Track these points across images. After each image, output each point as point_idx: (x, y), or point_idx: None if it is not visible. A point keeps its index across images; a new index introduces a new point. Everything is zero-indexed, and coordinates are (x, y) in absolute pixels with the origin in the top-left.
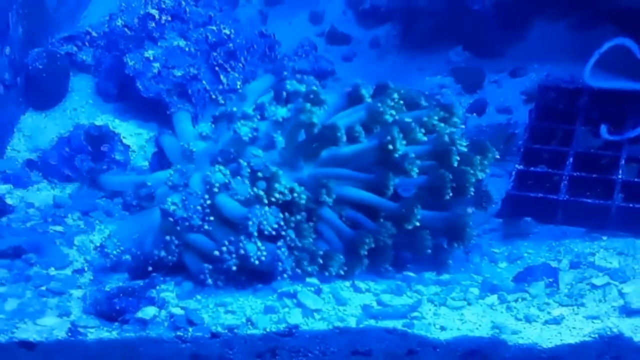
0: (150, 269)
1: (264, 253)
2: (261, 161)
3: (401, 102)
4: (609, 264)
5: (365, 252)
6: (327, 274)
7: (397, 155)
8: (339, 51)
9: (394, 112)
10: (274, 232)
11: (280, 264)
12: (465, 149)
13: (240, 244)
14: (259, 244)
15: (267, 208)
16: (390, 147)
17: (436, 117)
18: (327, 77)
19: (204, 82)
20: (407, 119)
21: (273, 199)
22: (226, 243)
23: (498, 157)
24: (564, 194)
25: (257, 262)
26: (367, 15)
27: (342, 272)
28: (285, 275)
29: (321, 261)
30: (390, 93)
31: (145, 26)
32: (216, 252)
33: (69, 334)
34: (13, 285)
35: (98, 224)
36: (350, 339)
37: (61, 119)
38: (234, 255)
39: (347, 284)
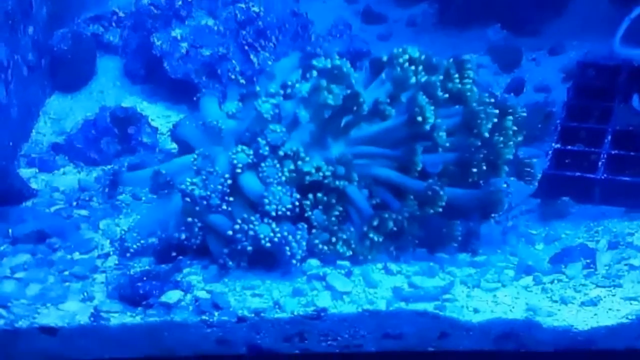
0: (174, 253)
1: (278, 235)
2: (279, 137)
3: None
4: None
5: (379, 232)
6: (345, 254)
7: (427, 127)
8: (374, 31)
9: (419, 77)
10: (288, 213)
11: (288, 248)
12: (495, 115)
13: (251, 225)
14: (274, 225)
15: (280, 188)
16: (420, 118)
17: (453, 72)
18: (363, 57)
19: (233, 61)
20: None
21: (295, 177)
22: (239, 222)
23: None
24: (602, 172)
25: (268, 244)
26: None
27: (361, 253)
28: (294, 261)
29: (340, 242)
30: (399, 54)
31: (172, 4)
32: (229, 232)
33: (92, 318)
34: (36, 269)
35: (125, 208)
36: (380, 322)
37: (87, 102)
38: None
39: (379, 265)
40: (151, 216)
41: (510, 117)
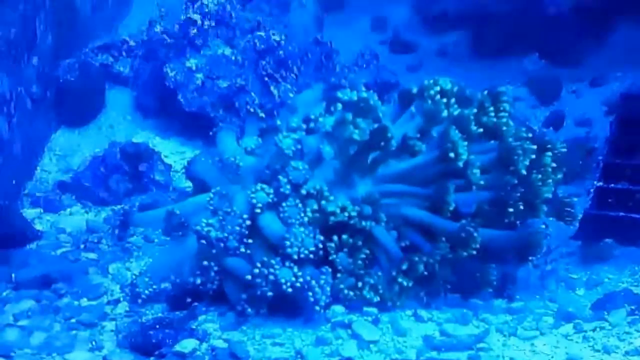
0: (189, 299)
1: (300, 280)
2: (301, 174)
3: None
4: None
5: (408, 276)
6: (372, 300)
7: (460, 164)
8: (403, 61)
9: (452, 110)
10: (311, 256)
11: (311, 293)
12: (533, 150)
13: (272, 269)
14: (296, 269)
15: (302, 229)
16: (452, 154)
17: (488, 105)
18: (391, 89)
19: (252, 93)
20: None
21: (319, 217)
22: (258, 266)
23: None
24: None
25: (289, 289)
26: (434, 22)
27: (389, 299)
28: (318, 307)
29: (367, 287)
30: (430, 86)
31: (186, 33)
32: (248, 277)
33: None
34: (40, 317)
35: (136, 251)
36: None
37: (96, 137)
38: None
39: (409, 312)
40: (164, 260)
41: (549, 153)
